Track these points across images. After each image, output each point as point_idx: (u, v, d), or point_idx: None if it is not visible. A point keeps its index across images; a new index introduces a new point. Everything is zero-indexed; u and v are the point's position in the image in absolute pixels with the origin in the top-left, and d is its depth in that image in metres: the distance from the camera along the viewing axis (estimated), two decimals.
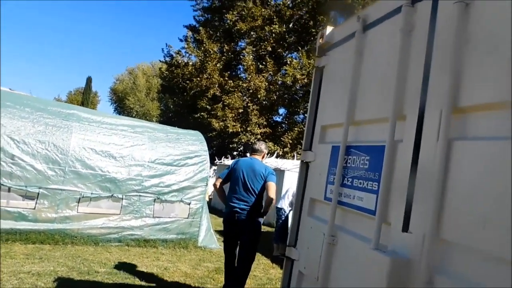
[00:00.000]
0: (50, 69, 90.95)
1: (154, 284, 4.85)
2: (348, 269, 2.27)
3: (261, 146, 4.76)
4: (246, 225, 4.30)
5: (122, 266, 5.41)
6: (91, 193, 6.23)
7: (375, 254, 1.87)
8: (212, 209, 8.27)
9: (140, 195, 6.69)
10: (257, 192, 4.38)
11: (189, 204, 7.19)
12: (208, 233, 7.50)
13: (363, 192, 2.27)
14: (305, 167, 3.14)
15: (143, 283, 4.87)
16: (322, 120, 3.01)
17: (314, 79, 3.17)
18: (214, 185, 4.65)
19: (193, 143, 7.73)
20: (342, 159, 2.51)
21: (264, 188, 4.40)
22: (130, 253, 6.17)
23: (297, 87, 19.87)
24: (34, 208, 5.78)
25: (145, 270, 5.43)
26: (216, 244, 7.52)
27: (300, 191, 3.14)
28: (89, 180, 6.22)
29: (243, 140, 19.28)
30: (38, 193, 5.79)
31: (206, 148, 7.84)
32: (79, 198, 6.12)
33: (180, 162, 7.21)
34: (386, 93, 2.18)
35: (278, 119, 22.71)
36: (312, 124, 3.15)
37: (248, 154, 5.08)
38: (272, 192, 4.35)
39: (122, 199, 6.53)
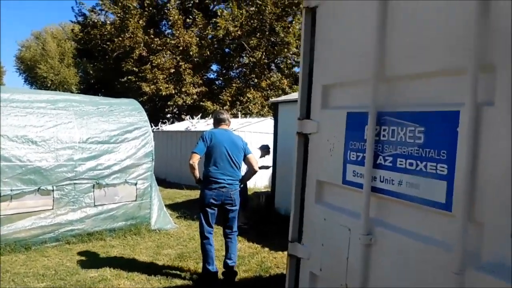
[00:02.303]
0: None
1: None
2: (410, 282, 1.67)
3: (227, 115, 4.67)
4: (234, 197, 4.40)
5: (66, 274, 4.47)
6: (11, 190, 5.00)
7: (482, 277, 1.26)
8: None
9: (75, 183, 5.58)
10: (240, 166, 4.46)
11: (135, 184, 6.22)
12: (161, 212, 6.65)
13: (418, 176, 1.62)
14: (302, 141, 2.44)
15: None
16: (323, 78, 2.28)
17: (304, 24, 2.40)
18: (193, 163, 4.27)
19: (130, 114, 6.62)
20: (373, 131, 1.83)
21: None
22: (73, 253, 5.19)
23: (229, 40, 18.70)
24: None
25: (95, 273, 4.55)
26: (172, 224, 6.73)
27: (300, 171, 2.45)
28: (6, 174, 4.97)
29: (178, 102, 17.98)
30: None
31: (146, 118, 6.79)
32: None
33: (118, 138, 6.12)
34: (452, 31, 1.49)
35: (213, 75, 21.56)
36: (307, 84, 2.42)
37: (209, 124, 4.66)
38: (255, 164, 4.52)
39: (53, 190, 5.38)
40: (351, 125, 2.03)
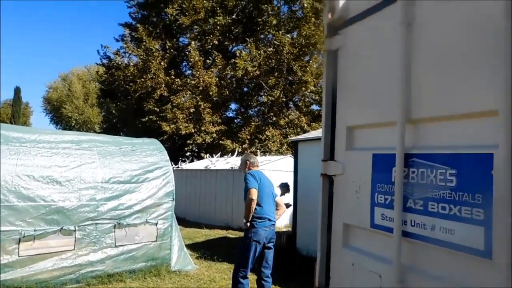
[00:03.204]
0: None
1: None
2: None
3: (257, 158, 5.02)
4: (274, 234, 4.59)
5: None
6: (34, 230, 5.04)
7: None
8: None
9: (96, 223, 5.60)
10: None
11: (156, 224, 6.20)
12: (181, 253, 6.56)
13: (452, 221, 1.56)
14: (327, 182, 2.40)
15: None
16: (347, 119, 2.27)
17: (326, 66, 2.43)
18: (255, 198, 4.30)
19: (152, 154, 6.71)
20: (401, 173, 1.79)
21: None
22: None
23: (247, 79, 19.11)
24: None
25: None
26: (192, 265, 6.61)
27: (325, 214, 2.40)
28: (30, 214, 5.04)
29: (198, 141, 18.21)
30: None
31: (167, 158, 6.86)
32: (19, 239, 4.92)
33: (140, 177, 6.19)
34: (480, 70, 1.47)
35: (231, 114, 21.89)
36: (331, 125, 2.42)
37: (242, 166, 4.97)
38: (283, 204, 5.00)
39: (75, 231, 5.40)
40: (378, 167, 2.00)
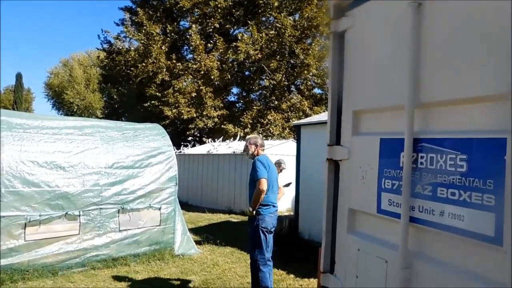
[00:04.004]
0: None
1: None
2: None
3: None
4: (277, 219, 4.56)
5: None
6: (40, 215, 5.09)
7: None
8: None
9: (100, 208, 5.63)
10: None
11: (159, 209, 6.23)
12: (184, 237, 6.61)
13: (462, 207, 1.54)
14: (333, 168, 2.38)
15: None
16: (354, 103, 2.23)
17: (332, 48, 2.37)
18: (265, 189, 4.21)
19: (154, 139, 6.70)
20: (410, 158, 1.76)
21: None
22: (98, 279, 5.19)
23: (249, 63, 18.94)
24: None
25: None
26: (196, 249, 6.67)
27: (331, 199, 2.38)
28: (35, 199, 5.07)
29: (199, 126, 18.17)
30: None
31: (170, 143, 6.85)
32: (25, 224, 4.97)
33: (143, 162, 6.19)
34: (493, 54, 1.43)
35: (233, 98, 21.78)
36: (337, 110, 2.38)
37: (251, 150, 4.61)
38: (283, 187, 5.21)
39: (80, 215, 5.44)
40: (385, 152, 1.97)
